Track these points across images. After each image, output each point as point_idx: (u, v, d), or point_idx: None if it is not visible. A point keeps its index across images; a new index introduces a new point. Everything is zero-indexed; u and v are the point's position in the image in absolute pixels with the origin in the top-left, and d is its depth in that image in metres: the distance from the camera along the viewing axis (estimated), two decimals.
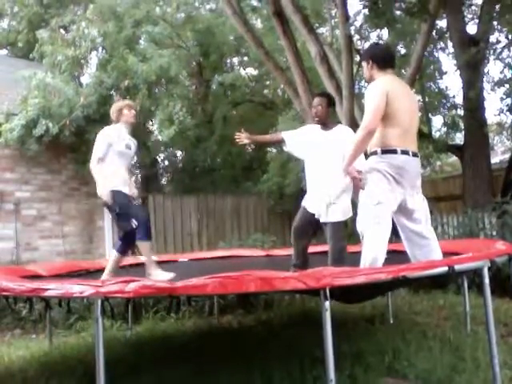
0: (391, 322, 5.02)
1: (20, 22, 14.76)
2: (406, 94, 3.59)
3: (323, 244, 4.66)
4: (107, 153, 4.30)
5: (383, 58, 3.66)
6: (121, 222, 4.34)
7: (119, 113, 4.51)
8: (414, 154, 3.48)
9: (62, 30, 10.35)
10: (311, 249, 4.55)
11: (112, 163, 4.31)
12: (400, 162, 3.40)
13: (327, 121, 4.41)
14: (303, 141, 4.48)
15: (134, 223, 4.16)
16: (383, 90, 3.41)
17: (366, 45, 12.02)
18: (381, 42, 11.53)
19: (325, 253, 4.34)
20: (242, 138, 4.45)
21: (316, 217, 4.26)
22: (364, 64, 3.74)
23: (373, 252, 3.34)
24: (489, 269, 3.12)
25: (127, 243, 4.39)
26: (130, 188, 4.40)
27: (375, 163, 3.44)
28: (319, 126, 4.42)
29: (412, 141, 3.51)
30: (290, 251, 4.60)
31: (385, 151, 3.41)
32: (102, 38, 9.52)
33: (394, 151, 3.40)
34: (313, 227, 4.35)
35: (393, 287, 4.32)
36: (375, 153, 3.45)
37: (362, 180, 3.49)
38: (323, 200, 4.21)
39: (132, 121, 4.58)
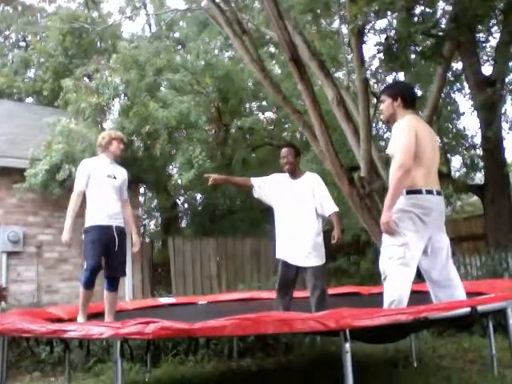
0: (415, 365, 4.88)
1: (46, 71, 15.32)
2: (429, 132, 3.60)
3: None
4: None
5: (411, 97, 3.67)
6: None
7: (109, 143, 4.68)
8: (438, 193, 3.47)
9: (85, 79, 10.72)
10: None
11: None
12: (426, 201, 3.37)
13: (296, 170, 4.60)
14: (271, 189, 4.63)
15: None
16: (414, 128, 3.40)
17: (382, 88, 12.15)
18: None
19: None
20: (212, 178, 4.64)
21: (294, 264, 4.45)
22: (387, 100, 3.63)
23: (397, 294, 3.28)
24: None
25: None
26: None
27: (400, 204, 3.39)
28: (288, 175, 4.61)
29: (435, 180, 3.50)
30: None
31: (410, 191, 3.38)
32: (124, 86, 9.84)
33: (419, 191, 3.38)
34: (294, 277, 4.56)
35: (416, 329, 4.23)
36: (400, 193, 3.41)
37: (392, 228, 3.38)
38: (300, 251, 4.39)
39: (118, 153, 4.77)
